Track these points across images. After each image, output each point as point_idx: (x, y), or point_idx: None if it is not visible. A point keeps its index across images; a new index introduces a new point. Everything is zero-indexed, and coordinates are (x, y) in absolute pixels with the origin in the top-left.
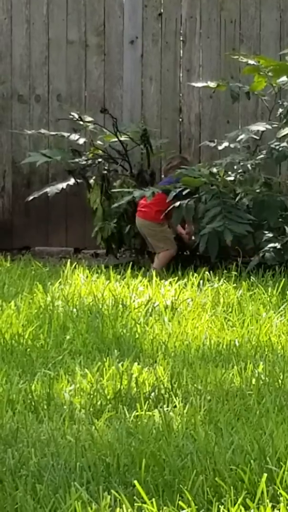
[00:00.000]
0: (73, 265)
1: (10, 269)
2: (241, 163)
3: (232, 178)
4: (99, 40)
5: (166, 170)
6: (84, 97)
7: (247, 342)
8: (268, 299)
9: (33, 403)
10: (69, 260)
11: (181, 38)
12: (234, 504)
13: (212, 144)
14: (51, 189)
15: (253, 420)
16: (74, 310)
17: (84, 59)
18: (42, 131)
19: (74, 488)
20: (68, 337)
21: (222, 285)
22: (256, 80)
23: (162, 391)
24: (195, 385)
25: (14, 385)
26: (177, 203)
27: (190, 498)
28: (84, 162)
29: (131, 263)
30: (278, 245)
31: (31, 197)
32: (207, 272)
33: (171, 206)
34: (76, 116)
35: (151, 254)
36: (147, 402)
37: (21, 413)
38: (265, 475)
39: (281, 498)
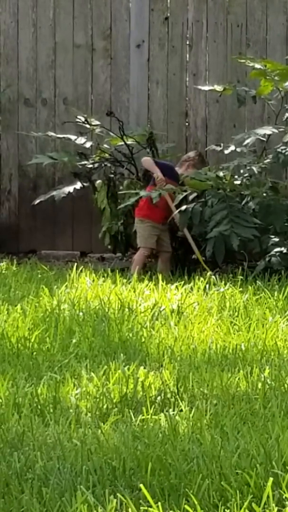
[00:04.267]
0: (79, 269)
1: (17, 273)
2: (248, 167)
3: (238, 182)
4: (105, 44)
5: (181, 162)
6: (91, 101)
7: (253, 347)
8: (274, 303)
9: (39, 407)
10: (75, 264)
11: (188, 42)
12: (240, 508)
13: (219, 148)
14: (57, 193)
15: (259, 425)
16: (80, 313)
17: (90, 63)
18: (49, 133)
19: (80, 492)
20: (74, 340)
21: (228, 289)
22: (263, 84)
23: (168, 395)
24: (201, 389)
25: (20, 389)
26: (183, 207)
27: (196, 502)
28: (90, 165)
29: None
30: (284, 250)
31: (37, 201)
32: (213, 276)
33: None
34: (83, 119)
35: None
36: (153, 406)
37: (27, 416)
38: (271, 479)
39: (287, 503)
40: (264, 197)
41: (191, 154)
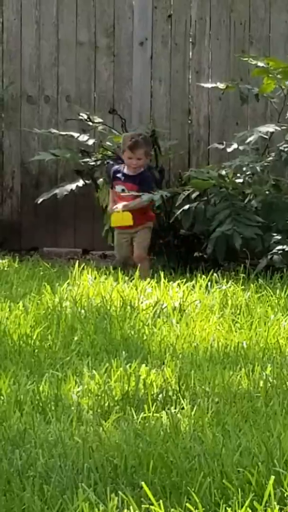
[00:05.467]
0: (81, 266)
1: (19, 270)
2: (250, 165)
3: (241, 180)
4: (108, 41)
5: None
6: (93, 98)
7: (255, 344)
8: (276, 301)
9: (40, 404)
10: (77, 261)
11: (191, 40)
12: (242, 506)
13: (221, 146)
14: (60, 191)
15: (261, 423)
16: (82, 311)
17: (93, 60)
18: (52, 131)
19: (82, 489)
20: (76, 338)
21: (230, 287)
22: (265, 82)
23: (170, 393)
24: (203, 387)
25: (22, 386)
26: (187, 206)
27: (197, 500)
28: (93, 163)
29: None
30: (286, 248)
31: (40, 199)
32: (215, 274)
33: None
34: (85, 116)
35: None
36: (155, 403)
37: (29, 414)
38: (273, 477)
39: None
40: (267, 195)
41: (127, 137)
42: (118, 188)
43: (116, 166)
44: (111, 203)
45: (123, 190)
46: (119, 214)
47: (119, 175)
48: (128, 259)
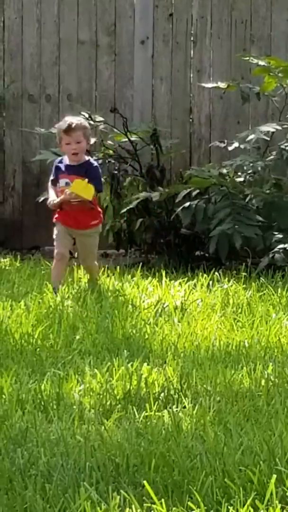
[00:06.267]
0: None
1: (20, 269)
2: (251, 164)
3: (242, 179)
4: (110, 40)
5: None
6: (95, 97)
7: (256, 343)
8: (278, 300)
9: (42, 403)
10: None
11: (192, 39)
12: (243, 505)
13: (222, 145)
14: None
15: (263, 421)
16: (84, 310)
17: (95, 59)
18: (53, 130)
19: (84, 488)
20: (77, 337)
21: (231, 286)
22: (267, 81)
23: (172, 392)
24: (205, 385)
25: (23, 385)
26: (187, 204)
27: (199, 499)
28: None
29: (140, 263)
30: (287, 246)
31: (42, 198)
32: (216, 273)
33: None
34: (87, 115)
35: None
36: (157, 402)
37: (31, 412)
38: (274, 476)
39: None
40: (268, 194)
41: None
42: (62, 182)
43: (57, 159)
44: (50, 197)
45: (67, 184)
46: (83, 182)
47: (61, 167)
48: (67, 253)
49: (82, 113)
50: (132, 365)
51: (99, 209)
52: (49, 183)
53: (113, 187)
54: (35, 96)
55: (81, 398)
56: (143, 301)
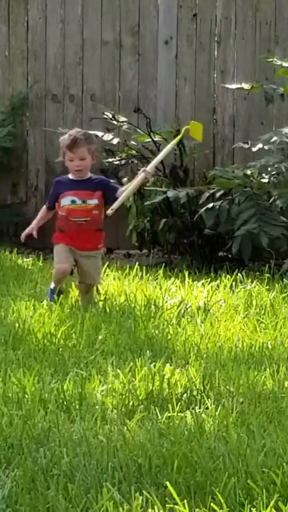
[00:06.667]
0: (106, 265)
1: (43, 268)
2: (275, 165)
3: (266, 180)
4: (133, 40)
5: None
6: (118, 97)
7: (280, 345)
8: None
9: (65, 403)
10: (102, 260)
11: (216, 39)
12: (266, 507)
13: (246, 146)
14: None
15: (286, 423)
16: (107, 310)
17: (118, 59)
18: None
19: (106, 488)
20: (100, 337)
21: (255, 287)
22: None
23: (194, 393)
24: (227, 387)
25: (46, 385)
26: (210, 204)
27: (222, 500)
28: (117, 162)
29: (163, 263)
30: None
31: None
32: (239, 274)
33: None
34: (110, 115)
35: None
36: (179, 403)
37: (53, 412)
38: None
39: None
40: None
41: (64, 138)
42: (66, 201)
43: (57, 178)
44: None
45: (73, 202)
46: (199, 125)
47: (64, 185)
48: (69, 270)
49: (105, 113)
50: (154, 366)
51: (103, 233)
52: (43, 207)
53: None
54: (58, 96)
55: (104, 398)
56: (166, 302)
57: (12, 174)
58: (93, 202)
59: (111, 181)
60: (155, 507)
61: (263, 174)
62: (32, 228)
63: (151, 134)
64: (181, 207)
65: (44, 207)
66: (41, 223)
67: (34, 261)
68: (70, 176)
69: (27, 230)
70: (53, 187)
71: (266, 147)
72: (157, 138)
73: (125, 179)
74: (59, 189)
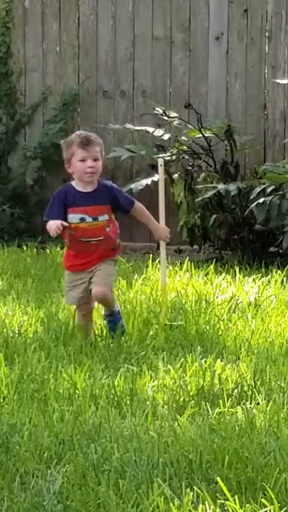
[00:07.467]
0: (156, 261)
1: None
2: None
3: None
4: (184, 36)
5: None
6: (169, 93)
7: None
8: None
9: (116, 399)
10: (152, 256)
11: (267, 35)
12: None
13: None
14: (135, 185)
15: None
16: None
17: (169, 56)
18: (127, 126)
19: (157, 484)
20: (151, 332)
21: None
22: None
23: (245, 388)
24: (278, 382)
25: (97, 380)
26: (261, 199)
27: (272, 496)
28: (168, 158)
29: (214, 259)
30: None
31: None
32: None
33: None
34: (161, 111)
35: None
36: (230, 399)
37: (104, 408)
38: None
39: None
40: None
41: (70, 140)
42: (74, 217)
43: (59, 191)
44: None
45: (82, 220)
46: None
47: (70, 198)
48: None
49: (156, 109)
50: (205, 361)
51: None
52: (48, 222)
53: (187, 183)
54: (109, 92)
55: (155, 394)
56: (217, 297)
57: (63, 170)
58: (104, 218)
59: (120, 191)
60: (206, 503)
61: None
62: (58, 223)
63: (202, 129)
64: (232, 202)
65: (48, 222)
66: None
67: None
68: (75, 185)
69: (54, 227)
70: (56, 199)
71: None
72: (207, 133)
73: (175, 175)
74: (66, 201)
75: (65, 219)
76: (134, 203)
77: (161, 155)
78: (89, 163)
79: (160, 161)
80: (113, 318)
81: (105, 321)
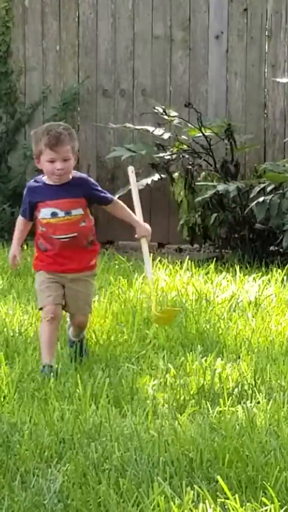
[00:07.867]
0: (157, 260)
1: (104, 258)
2: None
3: None
4: (184, 35)
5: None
6: (169, 92)
7: None
8: None
9: (116, 397)
10: (152, 255)
11: (267, 33)
12: None
13: None
14: None
15: None
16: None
17: (169, 54)
18: (127, 125)
19: (157, 483)
20: (151, 331)
21: None
22: None
23: (246, 387)
24: (279, 381)
25: (97, 379)
26: (261, 198)
27: (273, 495)
28: (168, 157)
29: (214, 258)
30: None
31: (117, 196)
32: None
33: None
34: (161, 110)
35: None
36: (230, 397)
37: (105, 407)
38: None
39: None
40: None
41: (39, 133)
42: (45, 213)
43: (30, 184)
44: (12, 248)
45: (54, 215)
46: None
47: (40, 192)
48: (59, 310)
49: (156, 108)
50: (206, 360)
51: (96, 243)
52: (19, 217)
53: (187, 182)
54: (109, 91)
55: (155, 393)
56: (217, 296)
57: None
58: (79, 212)
59: (93, 184)
60: (206, 501)
61: None
62: (14, 251)
63: (202, 128)
64: (232, 201)
65: (21, 218)
66: (22, 240)
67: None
68: (45, 179)
69: (11, 256)
70: (25, 195)
71: None
72: (208, 132)
73: (176, 174)
74: (34, 198)
75: (31, 217)
76: (113, 197)
77: (161, 154)
78: (58, 165)
79: (131, 169)
80: (81, 342)
81: (71, 348)
